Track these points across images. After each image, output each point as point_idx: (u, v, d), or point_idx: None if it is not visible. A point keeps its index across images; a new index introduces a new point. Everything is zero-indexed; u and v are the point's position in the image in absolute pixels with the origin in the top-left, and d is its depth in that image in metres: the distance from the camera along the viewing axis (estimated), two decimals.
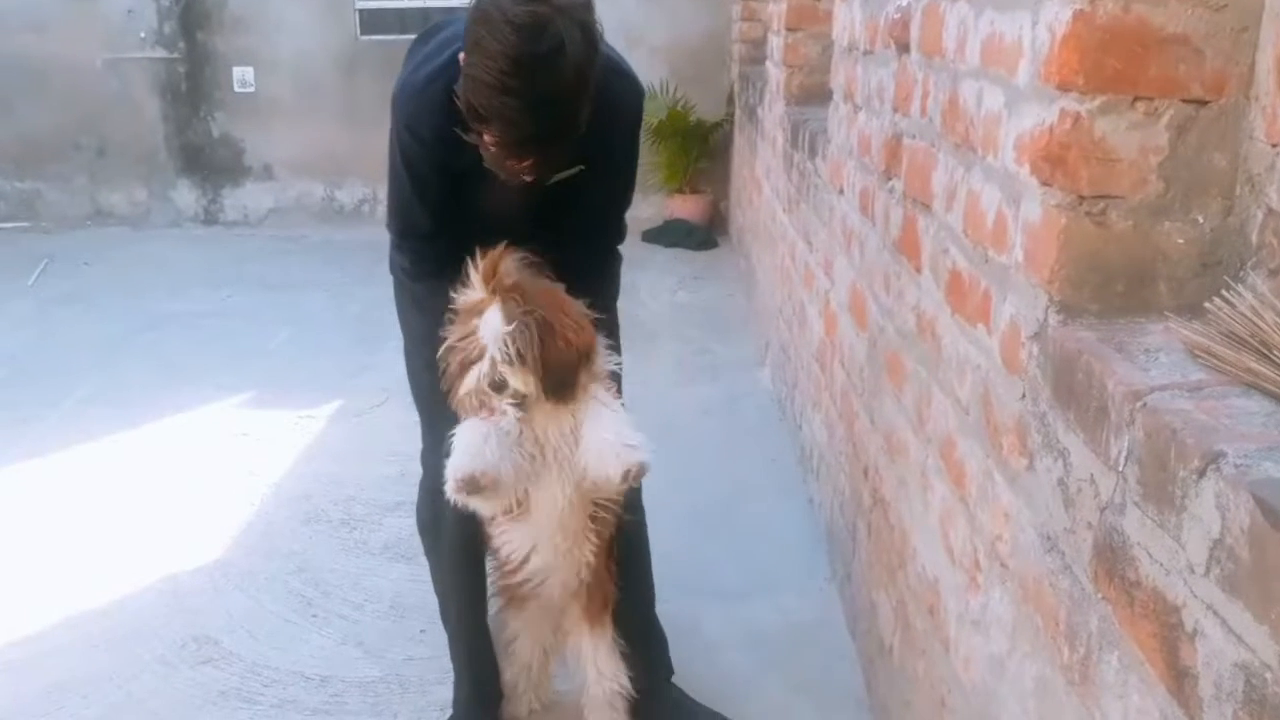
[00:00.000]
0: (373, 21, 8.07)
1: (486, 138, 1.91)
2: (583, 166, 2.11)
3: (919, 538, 2.22)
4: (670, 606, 3.09)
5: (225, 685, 2.80)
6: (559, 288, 2.13)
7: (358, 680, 2.82)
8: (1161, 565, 1.17)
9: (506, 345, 2.00)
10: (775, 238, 4.95)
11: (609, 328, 2.29)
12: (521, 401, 2.08)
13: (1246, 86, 1.44)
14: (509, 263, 2.06)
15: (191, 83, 8.20)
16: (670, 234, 7.41)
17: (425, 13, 8.00)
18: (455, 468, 2.05)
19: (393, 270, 2.42)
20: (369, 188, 8.35)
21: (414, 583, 3.26)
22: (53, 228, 8.30)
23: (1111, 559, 1.29)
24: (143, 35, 8.09)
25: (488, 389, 2.05)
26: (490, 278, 2.04)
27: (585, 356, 2.11)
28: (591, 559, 2.36)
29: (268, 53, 8.09)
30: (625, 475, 2.09)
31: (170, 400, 4.73)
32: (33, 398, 4.77)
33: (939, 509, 2.06)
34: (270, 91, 8.16)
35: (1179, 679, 1.13)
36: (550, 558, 2.32)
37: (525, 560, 2.33)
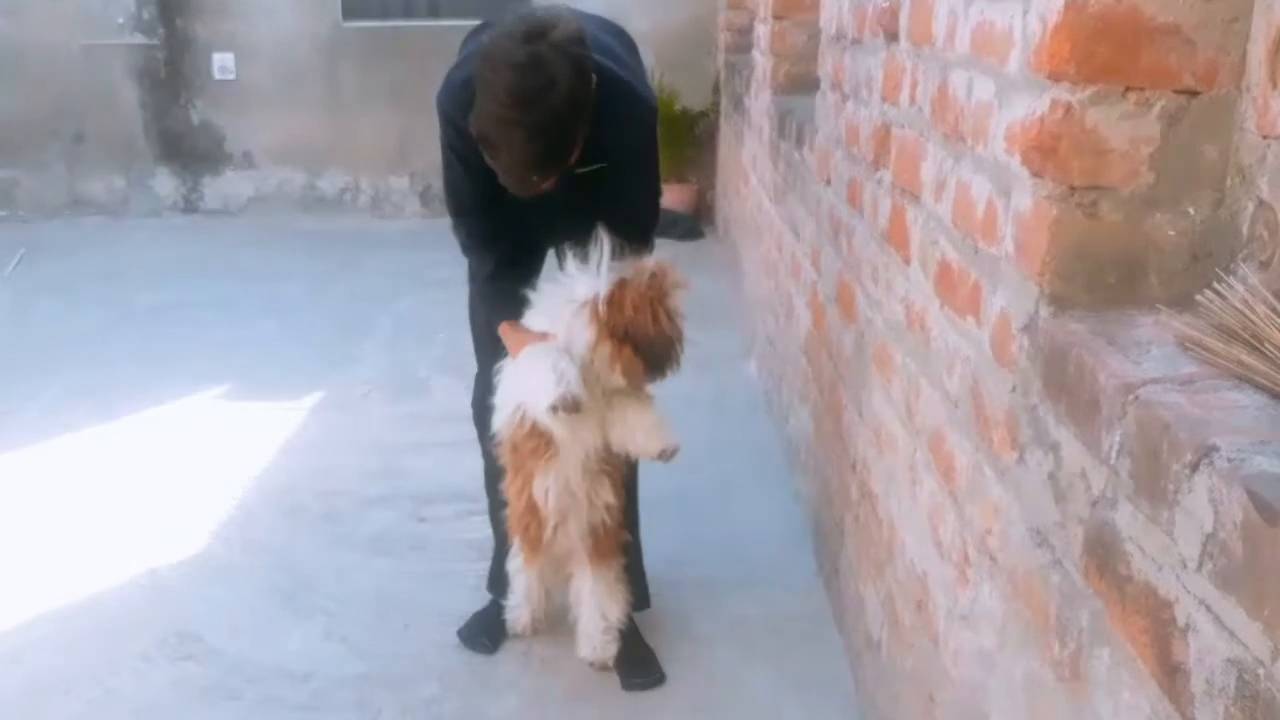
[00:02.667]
0: (356, 7, 8.00)
1: (495, 163, 2.26)
2: (604, 165, 2.45)
3: (907, 532, 2.21)
4: (657, 601, 3.09)
5: (207, 681, 2.78)
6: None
7: (341, 676, 2.80)
8: (1154, 560, 1.17)
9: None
10: (762, 228, 4.94)
11: None
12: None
13: (1238, 77, 1.44)
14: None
15: (171, 69, 8.12)
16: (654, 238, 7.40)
17: None
18: (559, 385, 2.34)
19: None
20: (351, 176, 8.32)
21: (398, 577, 3.25)
22: (29, 216, 8.22)
23: (1103, 554, 1.29)
24: (121, 21, 8.01)
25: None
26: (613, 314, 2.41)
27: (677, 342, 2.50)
28: (612, 501, 2.67)
29: (248, 39, 8.02)
30: (662, 453, 2.53)
31: (150, 392, 4.69)
32: (10, 390, 4.72)
33: (928, 503, 2.06)
34: (251, 78, 8.09)
35: (1170, 675, 1.13)
36: (569, 499, 2.61)
37: (548, 500, 2.59)
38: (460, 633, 2.94)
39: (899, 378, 2.29)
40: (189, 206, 8.43)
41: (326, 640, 2.95)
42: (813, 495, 3.38)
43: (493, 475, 2.88)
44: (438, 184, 9.10)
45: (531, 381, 2.43)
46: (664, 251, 7.11)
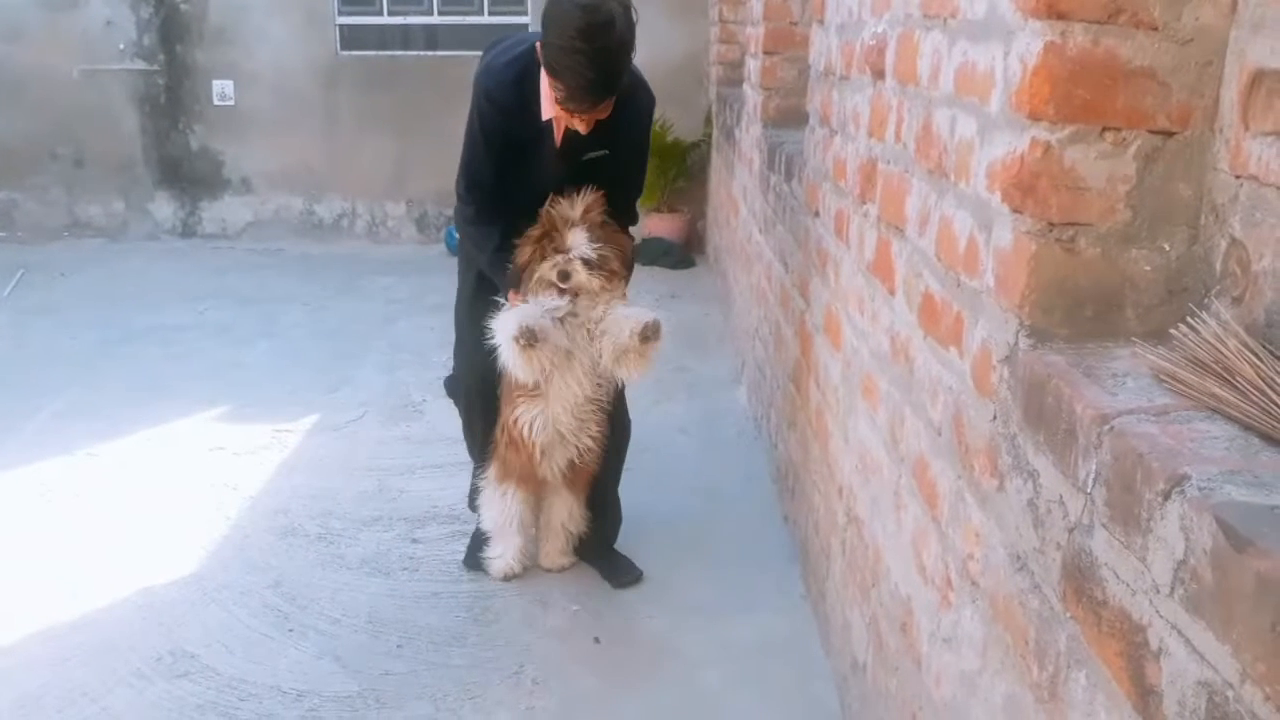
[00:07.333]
0: (353, 37, 8.09)
1: (559, 87, 2.69)
2: (607, 152, 2.95)
3: (892, 556, 2.24)
4: (648, 622, 3.11)
5: (201, 699, 2.79)
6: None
7: (334, 695, 2.82)
8: (1128, 585, 1.19)
9: (586, 255, 2.90)
10: (751, 258, 4.98)
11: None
12: (575, 293, 2.94)
13: (1211, 119, 1.47)
14: (596, 203, 2.96)
15: (170, 95, 8.18)
16: (648, 252, 7.41)
17: (405, 29, 8.04)
18: (518, 322, 2.82)
19: (457, 224, 3.32)
20: (348, 202, 8.36)
21: (391, 597, 3.27)
22: (28, 238, 8.26)
23: (1080, 579, 1.32)
24: (121, 47, 8.08)
25: (558, 274, 2.90)
26: (585, 210, 2.94)
27: (631, 257, 3.06)
28: (591, 443, 3.15)
29: (248, 66, 8.09)
30: (644, 331, 2.91)
31: (147, 413, 4.72)
32: (7, 409, 4.74)
33: (911, 528, 2.09)
34: (250, 105, 8.16)
35: (1144, 697, 1.15)
36: (555, 436, 3.09)
37: (534, 433, 3.06)
38: (465, 561, 3.43)
39: (884, 406, 2.32)
40: (187, 230, 8.47)
41: (320, 659, 2.97)
42: (801, 519, 3.40)
43: (469, 421, 3.42)
44: (433, 210, 9.16)
45: (504, 328, 2.88)
46: (656, 279, 7.21)
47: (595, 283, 2.94)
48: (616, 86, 2.74)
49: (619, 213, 3.11)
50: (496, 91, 2.91)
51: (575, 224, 2.93)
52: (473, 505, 3.48)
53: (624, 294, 3.08)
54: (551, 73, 2.70)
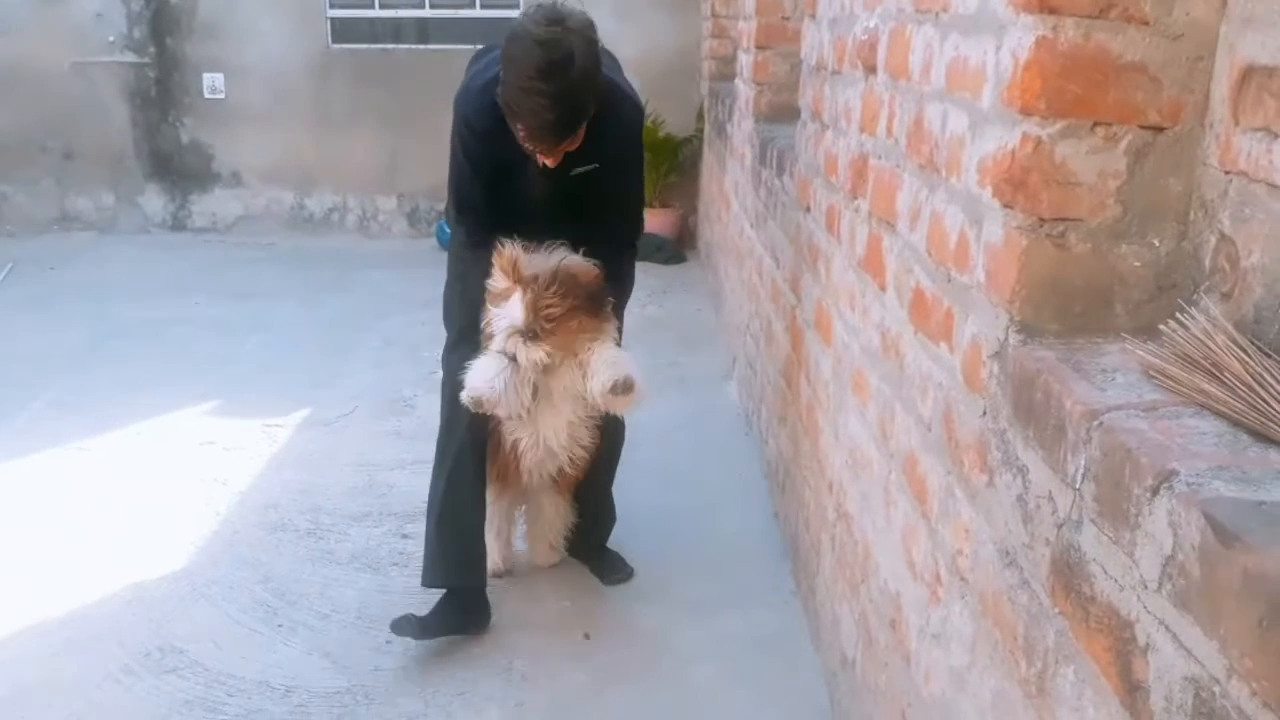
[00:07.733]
0: (344, 30, 8.06)
1: (519, 128, 2.57)
2: (597, 165, 2.79)
3: (881, 552, 2.24)
4: (638, 618, 3.11)
5: (190, 695, 2.78)
6: (570, 258, 2.79)
7: (323, 690, 2.81)
8: (1116, 581, 1.19)
9: (520, 326, 2.71)
10: (743, 253, 4.98)
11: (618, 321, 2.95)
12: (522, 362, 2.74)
13: (1201, 114, 1.47)
14: (523, 258, 2.71)
15: (161, 88, 8.15)
16: (640, 248, 7.41)
17: (396, 22, 8.02)
18: (470, 387, 2.72)
19: (449, 241, 3.21)
20: (339, 196, 8.34)
21: (380, 593, 3.26)
22: (17, 231, 8.22)
23: (1068, 574, 1.32)
24: (111, 39, 8.05)
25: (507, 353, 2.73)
26: (511, 272, 2.70)
27: (597, 285, 2.79)
28: (583, 451, 3.08)
29: (238, 60, 8.06)
30: (614, 385, 2.75)
31: (137, 408, 4.70)
32: None
33: (901, 524, 2.09)
34: (240, 98, 8.13)
35: (1132, 692, 1.15)
36: (544, 453, 3.02)
37: (523, 451, 3.00)
38: (392, 625, 2.96)
39: (874, 402, 2.32)
40: (177, 224, 8.44)
41: (309, 655, 2.96)
42: (791, 515, 3.40)
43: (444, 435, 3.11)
44: (425, 204, 9.15)
45: (469, 381, 2.76)
46: (648, 275, 7.18)
47: (538, 352, 2.74)
48: (580, 123, 2.61)
49: (614, 228, 3.00)
50: (474, 118, 2.77)
51: (503, 297, 2.75)
52: (430, 579, 3.09)
53: (613, 329, 2.89)
54: (510, 114, 2.57)
